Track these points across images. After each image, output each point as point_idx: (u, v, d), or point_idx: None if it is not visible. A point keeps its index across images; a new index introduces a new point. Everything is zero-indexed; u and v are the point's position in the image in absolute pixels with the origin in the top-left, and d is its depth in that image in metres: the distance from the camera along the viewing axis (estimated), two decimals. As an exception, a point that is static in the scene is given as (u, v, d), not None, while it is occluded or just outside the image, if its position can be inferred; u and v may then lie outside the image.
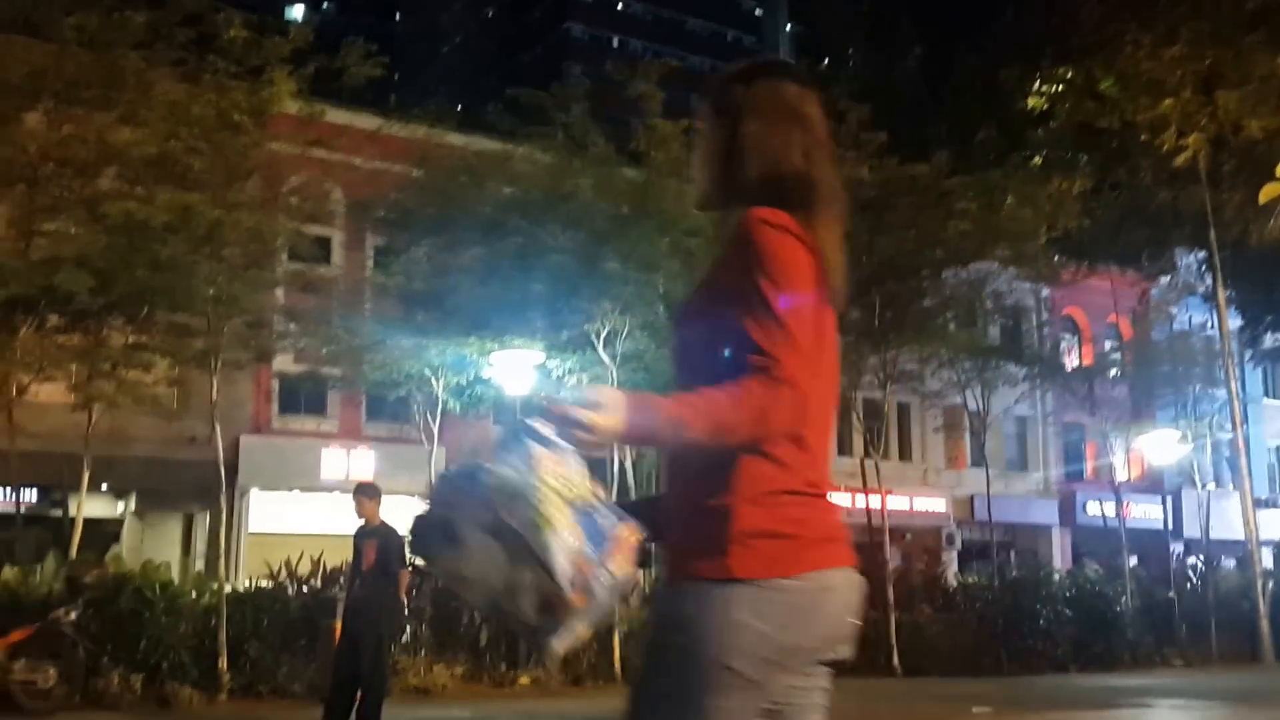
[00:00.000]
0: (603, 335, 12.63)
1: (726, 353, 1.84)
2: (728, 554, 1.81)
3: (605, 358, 12.72)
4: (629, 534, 1.80)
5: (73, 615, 9.00)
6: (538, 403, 1.89)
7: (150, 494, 16.57)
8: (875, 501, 15.80)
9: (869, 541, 15.46)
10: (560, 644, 1.73)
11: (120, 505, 16.90)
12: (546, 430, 1.72)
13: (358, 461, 17.23)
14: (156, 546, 15.44)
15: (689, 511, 1.87)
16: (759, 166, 2.00)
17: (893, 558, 16.39)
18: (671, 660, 1.84)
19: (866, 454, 16.88)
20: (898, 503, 20.47)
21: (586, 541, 1.72)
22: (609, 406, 1.73)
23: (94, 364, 10.64)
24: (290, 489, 17.47)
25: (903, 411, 23.62)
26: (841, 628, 1.89)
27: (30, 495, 13.25)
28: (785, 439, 1.83)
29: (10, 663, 8.65)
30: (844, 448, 20.46)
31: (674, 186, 12.56)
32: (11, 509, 12.08)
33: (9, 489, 12.38)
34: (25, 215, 10.26)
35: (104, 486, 14.19)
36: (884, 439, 19.76)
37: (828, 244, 1.94)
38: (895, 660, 13.87)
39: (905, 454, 24.34)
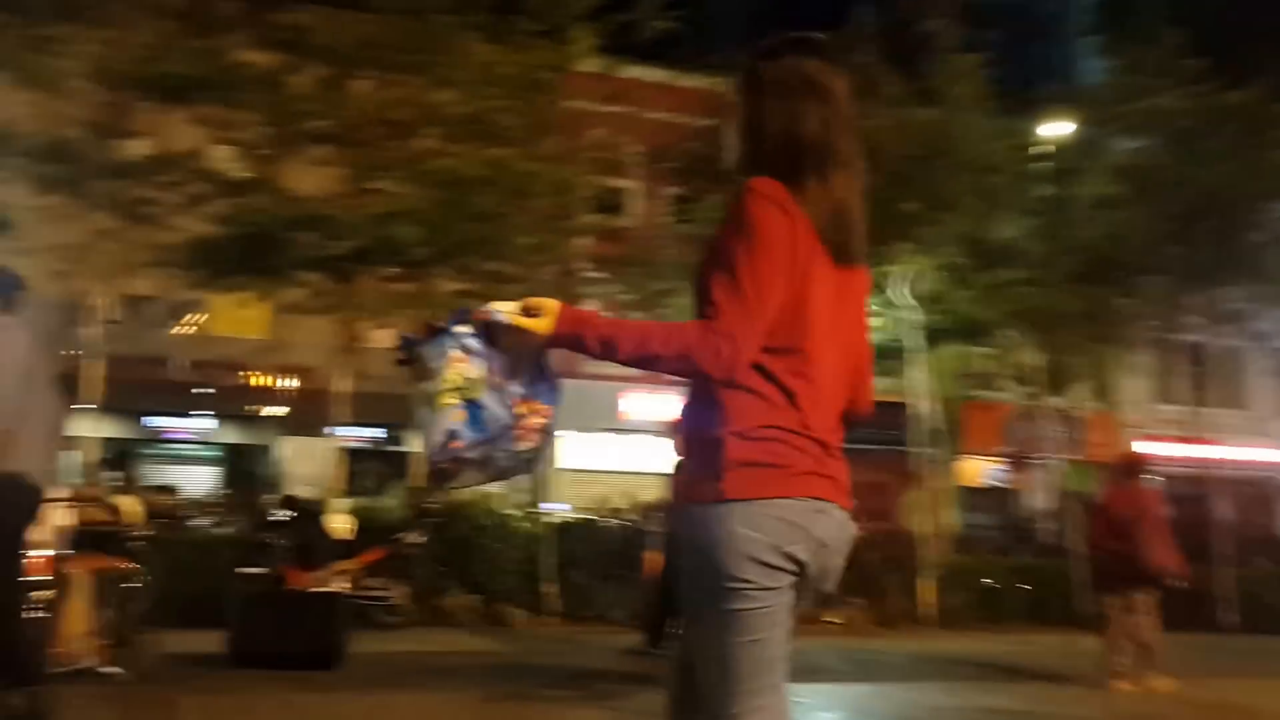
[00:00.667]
0: (902, 277, 12.43)
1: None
2: (721, 479, 2.07)
3: (904, 300, 12.51)
4: (532, 415, 2.21)
5: (417, 539, 9.80)
6: (467, 312, 2.22)
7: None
8: (1203, 451, 14.77)
9: (1196, 493, 14.50)
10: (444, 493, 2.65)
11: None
12: (464, 334, 2.16)
13: (660, 404, 17.76)
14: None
15: (694, 444, 2.16)
16: (774, 137, 2.20)
17: (1223, 510, 15.29)
18: (695, 577, 2.11)
19: (1192, 401, 15.80)
20: (1227, 453, 18.99)
21: (466, 425, 2.17)
22: (544, 314, 2.08)
23: (424, 310, 11.46)
24: (596, 430, 18.29)
25: (1231, 356, 21.85)
26: (829, 554, 2.13)
27: (374, 433, 14.60)
28: (754, 381, 2.08)
29: (364, 581, 9.54)
30: (1168, 395, 19.17)
31: (972, 123, 12.20)
32: (359, 445, 13.33)
33: (357, 427, 13.67)
34: (358, 174, 11.11)
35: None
36: (1211, 385, 18.41)
37: (840, 207, 2.16)
38: (1229, 615, 13.00)
39: (1234, 401, 22.49)
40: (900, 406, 13.64)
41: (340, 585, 9.45)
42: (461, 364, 2.18)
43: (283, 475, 19.23)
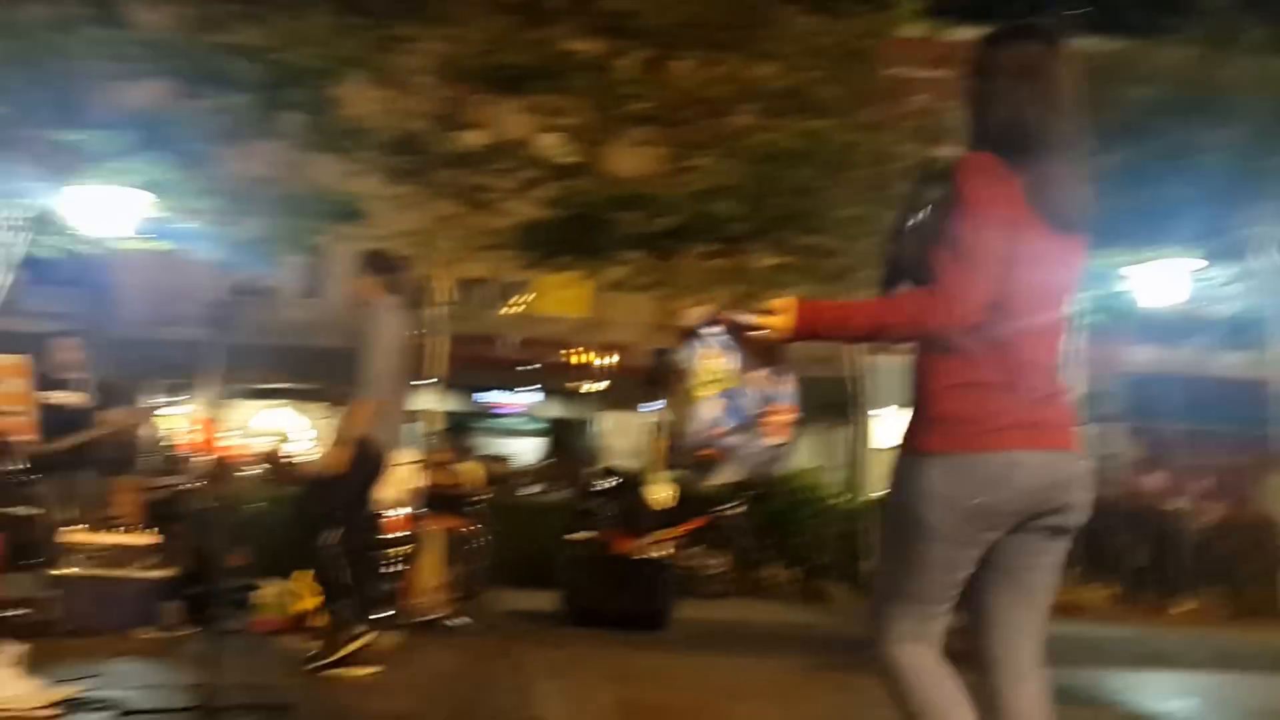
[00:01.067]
0: (1269, 240, 11.34)
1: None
2: (923, 433, 2.34)
3: (1271, 264, 11.42)
4: (779, 413, 2.51)
5: (736, 511, 9.94)
6: (713, 317, 2.51)
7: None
8: None
9: None
10: (710, 481, 2.59)
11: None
12: (713, 334, 2.46)
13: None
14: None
15: (913, 400, 2.40)
16: (997, 119, 2.39)
17: None
18: (891, 517, 2.43)
19: None
20: None
21: (725, 412, 2.46)
22: (782, 312, 2.34)
23: (743, 285, 11.57)
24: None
25: None
26: (1040, 498, 2.31)
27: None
28: (966, 339, 2.28)
29: (685, 549, 9.78)
30: None
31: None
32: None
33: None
34: (678, 153, 11.33)
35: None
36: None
37: (1056, 181, 2.35)
38: None
39: None
40: (1260, 384, 12.45)
41: (663, 552, 9.74)
42: (714, 359, 2.46)
43: (603, 448, 19.99)
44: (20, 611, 6.26)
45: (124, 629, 6.59)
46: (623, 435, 21.43)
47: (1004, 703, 2.39)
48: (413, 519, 7.71)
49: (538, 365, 20.89)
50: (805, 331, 2.36)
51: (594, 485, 11.95)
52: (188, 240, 13.27)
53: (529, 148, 11.75)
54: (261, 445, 17.16)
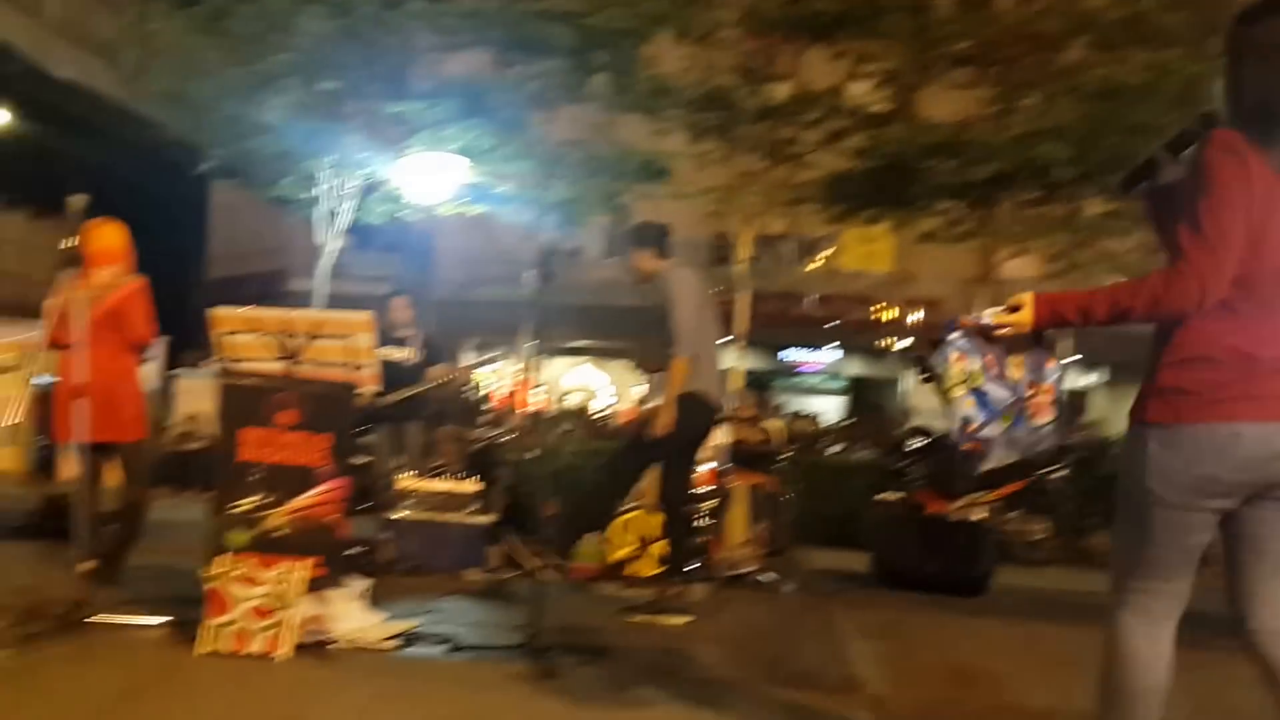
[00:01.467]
0: None
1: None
2: (1148, 404, 2.46)
3: None
4: (1040, 394, 2.77)
5: (1059, 475, 9.33)
6: (957, 321, 2.83)
7: (1120, 366, 17.32)
8: None
9: None
10: (980, 468, 2.89)
11: (1094, 375, 18.81)
12: (957, 339, 2.76)
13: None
14: (1119, 415, 15.85)
15: (1146, 371, 2.49)
16: (1249, 98, 2.35)
17: None
18: (1121, 486, 2.55)
19: None
20: None
21: (976, 408, 2.75)
22: (1024, 307, 2.55)
23: (1068, 235, 10.83)
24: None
25: None
26: (1269, 469, 2.36)
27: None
28: (1201, 313, 2.34)
29: (1004, 514, 9.27)
30: None
31: None
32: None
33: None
34: (1000, 95, 10.67)
35: (1078, 357, 14.93)
36: None
37: None
38: None
39: None
40: None
41: (979, 515, 9.29)
42: (961, 362, 2.75)
43: (909, 407, 19.45)
44: (361, 551, 6.72)
45: (452, 570, 6.94)
46: (928, 395, 20.75)
47: (1267, 667, 2.48)
48: (720, 474, 7.69)
49: (840, 322, 20.52)
50: (1046, 323, 2.56)
51: (904, 445, 11.58)
52: (501, 203, 13.90)
53: (837, 97, 11.41)
54: (571, 400, 17.83)
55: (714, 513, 7.61)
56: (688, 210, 16.33)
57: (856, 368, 22.97)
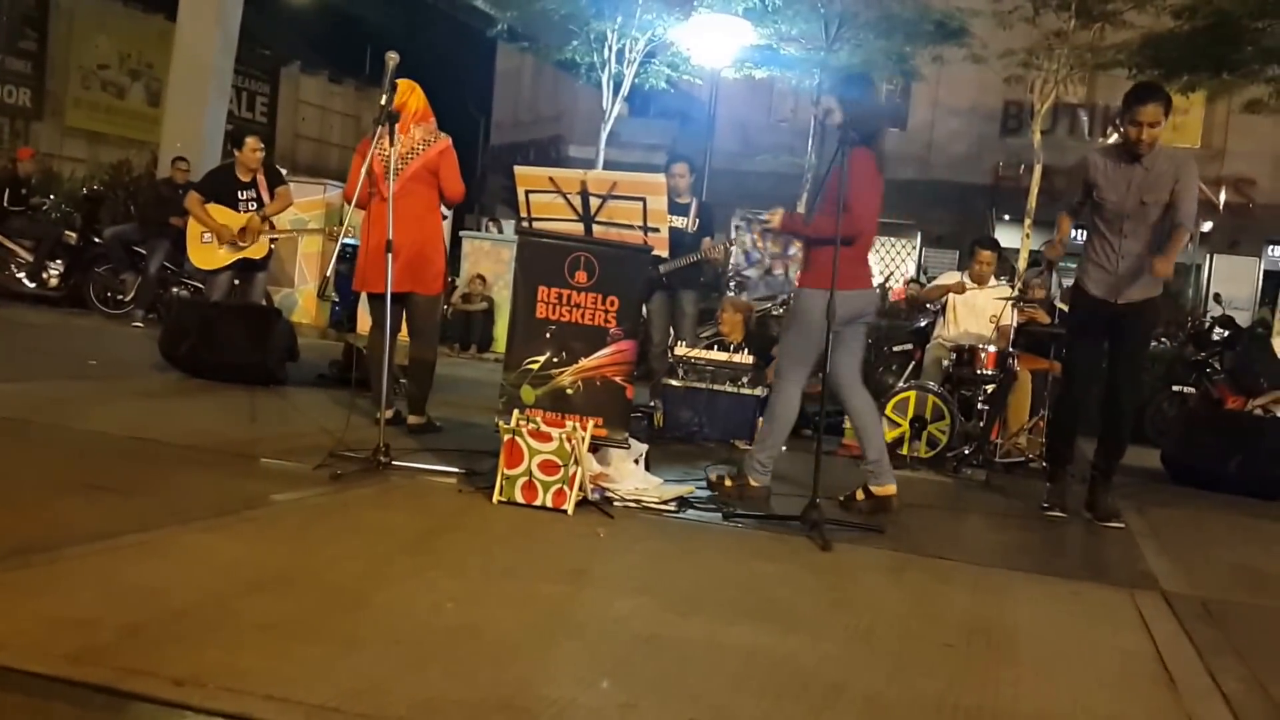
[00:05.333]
0: None
1: None
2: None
3: None
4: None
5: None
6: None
7: None
8: None
9: None
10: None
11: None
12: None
13: None
14: None
15: None
16: None
17: None
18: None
19: None
20: None
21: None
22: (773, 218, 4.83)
23: None
24: None
25: None
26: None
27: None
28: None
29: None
30: None
31: None
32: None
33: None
34: None
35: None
36: None
37: None
38: None
39: None
40: None
41: (1281, 414, 8.60)
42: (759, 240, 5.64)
43: (1208, 295, 18.03)
44: (638, 415, 6.90)
45: (723, 440, 7.04)
46: (1236, 282, 19.13)
47: None
48: (1003, 357, 7.38)
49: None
50: (784, 229, 4.52)
51: (1203, 335, 10.81)
52: (784, 67, 13.56)
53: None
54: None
55: (993, 397, 7.35)
56: (982, 74, 15.46)
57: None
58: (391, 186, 5.42)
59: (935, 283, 8.14)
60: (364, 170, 5.35)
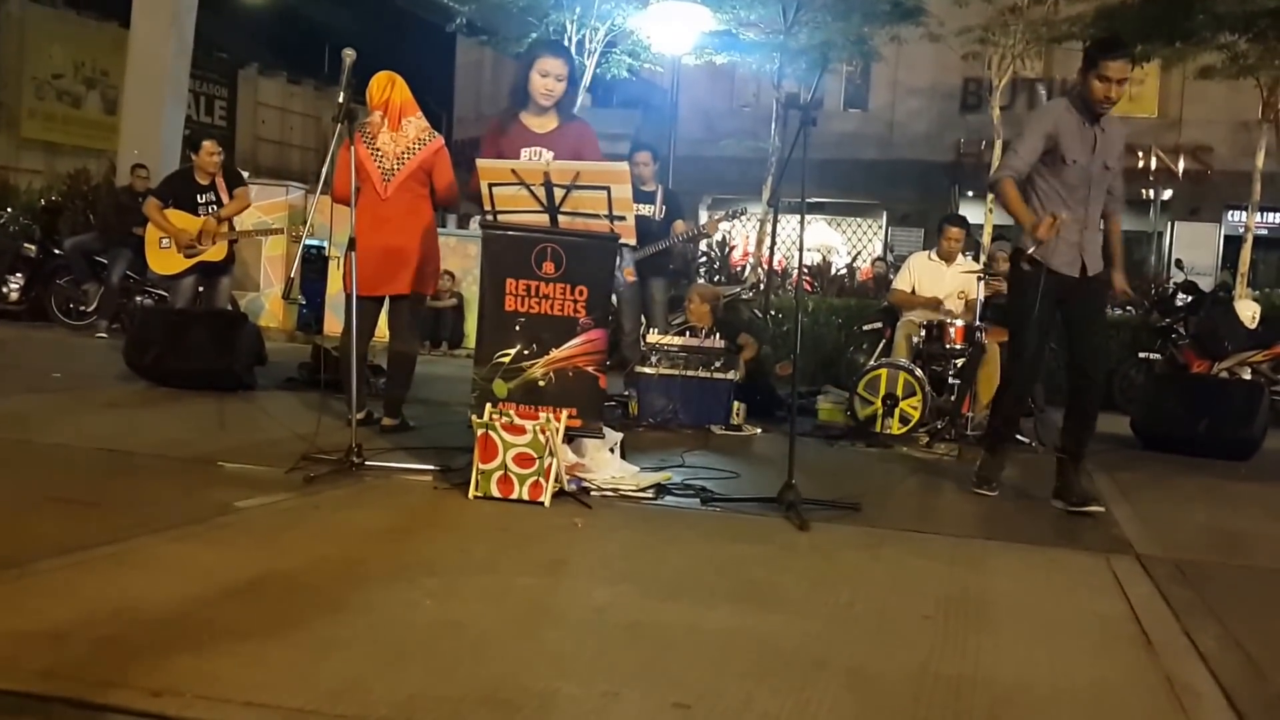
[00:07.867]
0: None
1: None
2: None
3: None
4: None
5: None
6: None
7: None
8: None
9: None
10: None
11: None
12: None
13: None
14: None
15: None
16: None
17: None
18: None
19: None
20: None
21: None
22: None
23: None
24: None
25: None
26: None
27: None
28: None
29: (1272, 374, 8.70)
30: None
31: None
32: (1261, 230, 11.92)
33: (1261, 211, 12.37)
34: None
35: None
36: None
37: None
38: None
39: None
40: None
41: (1252, 376, 8.71)
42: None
43: (1170, 262, 18.20)
44: (612, 404, 6.90)
45: (697, 425, 7.06)
46: (1192, 249, 19.30)
47: None
48: (970, 331, 7.43)
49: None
50: None
51: (1167, 302, 10.92)
52: (744, 51, 13.56)
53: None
54: (810, 258, 17.55)
55: (963, 371, 7.40)
56: (940, 53, 15.52)
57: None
58: (393, 185, 5.41)
59: (917, 295, 8.13)
60: (341, 171, 5.19)
